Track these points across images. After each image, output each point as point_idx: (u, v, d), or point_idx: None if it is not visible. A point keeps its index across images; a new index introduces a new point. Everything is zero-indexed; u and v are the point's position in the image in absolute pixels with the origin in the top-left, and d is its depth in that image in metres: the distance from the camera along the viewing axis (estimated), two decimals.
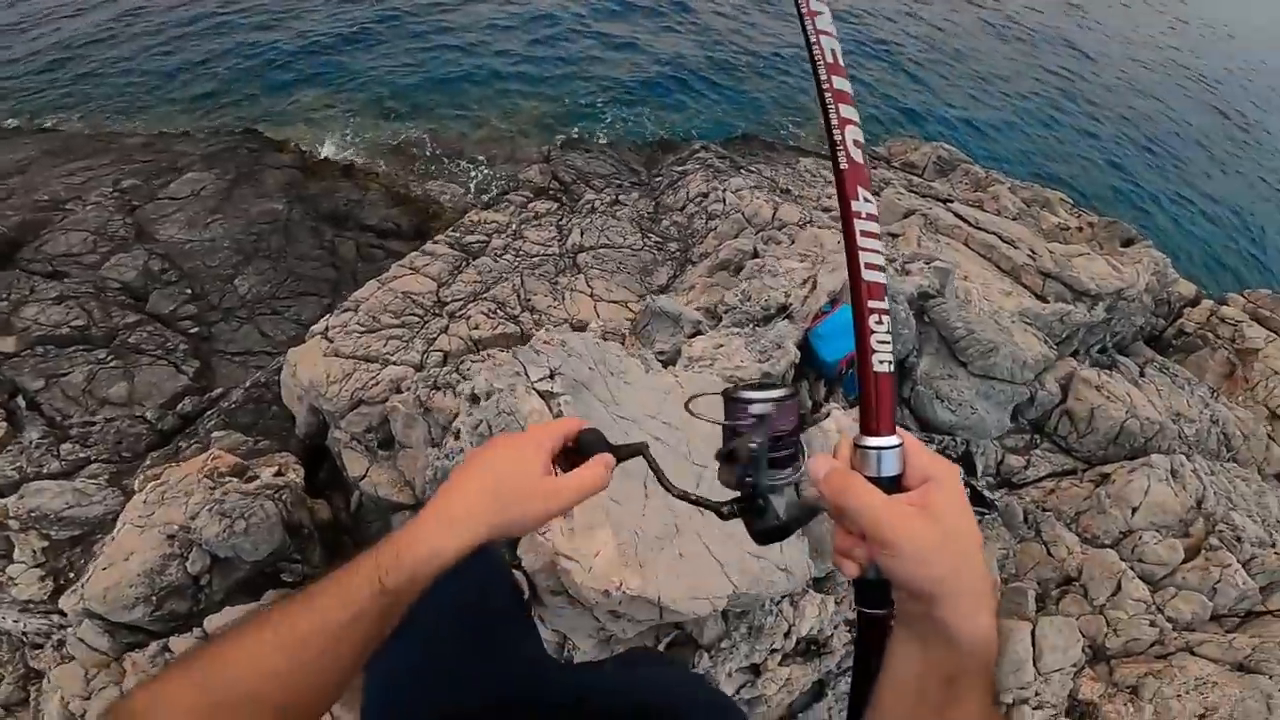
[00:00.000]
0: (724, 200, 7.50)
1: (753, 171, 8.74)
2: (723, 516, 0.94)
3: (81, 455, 5.40)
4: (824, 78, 0.91)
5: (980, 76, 15.96)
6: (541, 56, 12.81)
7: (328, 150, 10.25)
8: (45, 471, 5.21)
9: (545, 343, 3.30)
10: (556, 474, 1.04)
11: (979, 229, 6.82)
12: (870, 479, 0.78)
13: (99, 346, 6.62)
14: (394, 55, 12.50)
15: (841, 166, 0.88)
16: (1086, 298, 6.09)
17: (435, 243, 7.08)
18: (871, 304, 0.85)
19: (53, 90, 11.96)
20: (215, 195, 8.74)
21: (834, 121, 0.89)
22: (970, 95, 15.01)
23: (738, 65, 13.57)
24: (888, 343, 0.85)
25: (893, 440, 0.81)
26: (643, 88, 12.24)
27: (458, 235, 7.26)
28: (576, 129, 11.00)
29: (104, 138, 10.51)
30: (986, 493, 4.58)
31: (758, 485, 0.86)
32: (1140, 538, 4.54)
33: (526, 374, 3.14)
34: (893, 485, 0.79)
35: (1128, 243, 7.47)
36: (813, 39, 0.92)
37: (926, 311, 5.22)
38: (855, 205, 0.86)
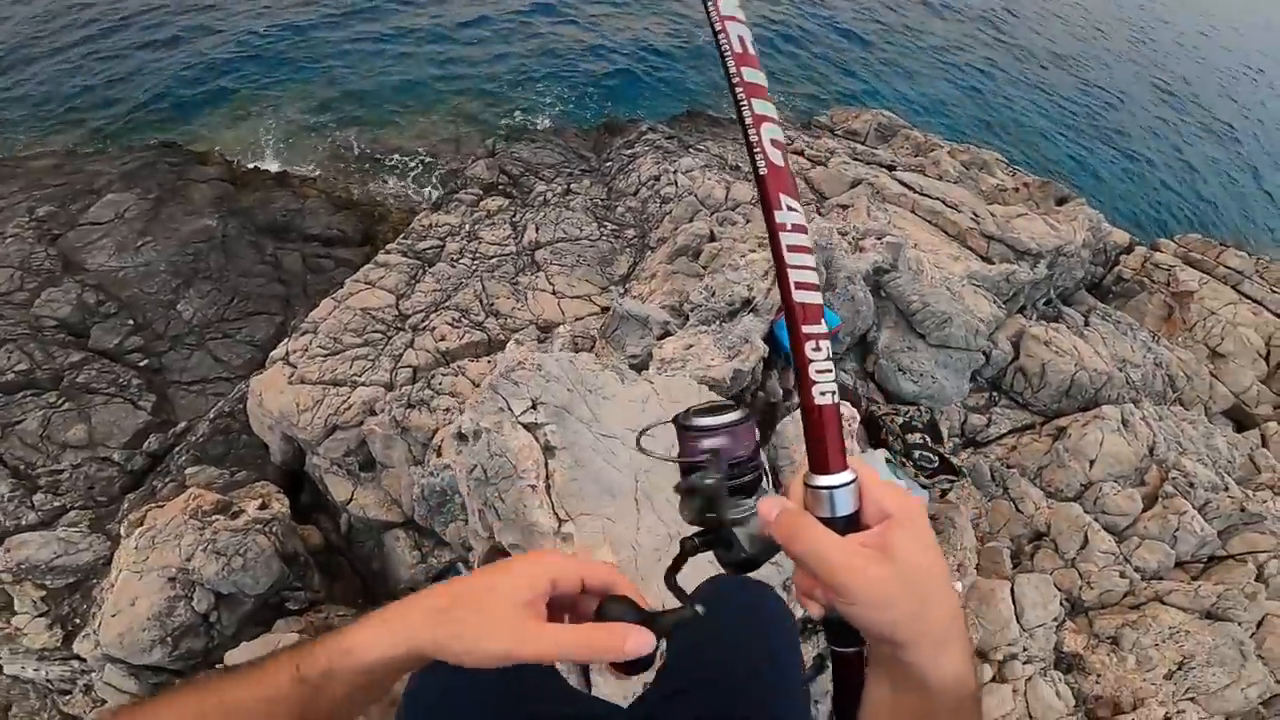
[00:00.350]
0: (676, 182, 7.52)
1: (701, 150, 8.75)
2: (691, 553, 0.88)
3: (56, 504, 5.23)
4: (733, 70, 0.80)
5: (916, 46, 16.31)
6: (470, 46, 12.47)
7: (256, 159, 9.84)
8: (24, 523, 5.04)
9: (522, 369, 3.33)
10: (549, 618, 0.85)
11: (924, 195, 7.02)
12: (824, 519, 0.73)
13: (47, 390, 6.32)
14: (314, 57, 11.97)
15: (761, 171, 0.77)
16: (1029, 256, 6.33)
17: (388, 253, 6.92)
18: (807, 329, 0.77)
19: None
20: (141, 216, 8.29)
21: (748, 120, 0.79)
22: (906, 65, 15.34)
23: (671, 42, 13.48)
24: (829, 371, 0.77)
25: (845, 477, 0.74)
26: (578, 71, 12.08)
27: (410, 242, 7.11)
28: (517, 116, 10.82)
29: (8, 163, 9.84)
30: (955, 460, 4.82)
31: (720, 519, 0.81)
32: (1100, 489, 4.77)
33: (510, 408, 3.18)
34: (848, 524, 0.74)
35: (1061, 201, 7.72)
36: (717, 25, 0.80)
37: (883, 287, 5.40)
38: (779, 216, 0.76)
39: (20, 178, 9.08)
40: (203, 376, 6.71)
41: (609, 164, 8.64)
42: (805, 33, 15.01)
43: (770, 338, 4.34)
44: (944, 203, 6.86)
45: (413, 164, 9.86)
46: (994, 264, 6.15)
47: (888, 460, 4.54)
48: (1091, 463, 4.94)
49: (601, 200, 7.76)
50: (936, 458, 4.64)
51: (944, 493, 4.63)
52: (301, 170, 9.66)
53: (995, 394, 5.85)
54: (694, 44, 13.30)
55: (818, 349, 0.76)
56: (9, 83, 11.42)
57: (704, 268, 5.79)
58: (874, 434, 4.90)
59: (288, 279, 8.00)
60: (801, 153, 8.18)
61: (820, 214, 6.86)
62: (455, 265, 6.73)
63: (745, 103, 0.79)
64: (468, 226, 7.42)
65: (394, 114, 10.74)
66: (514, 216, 7.48)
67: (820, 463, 0.76)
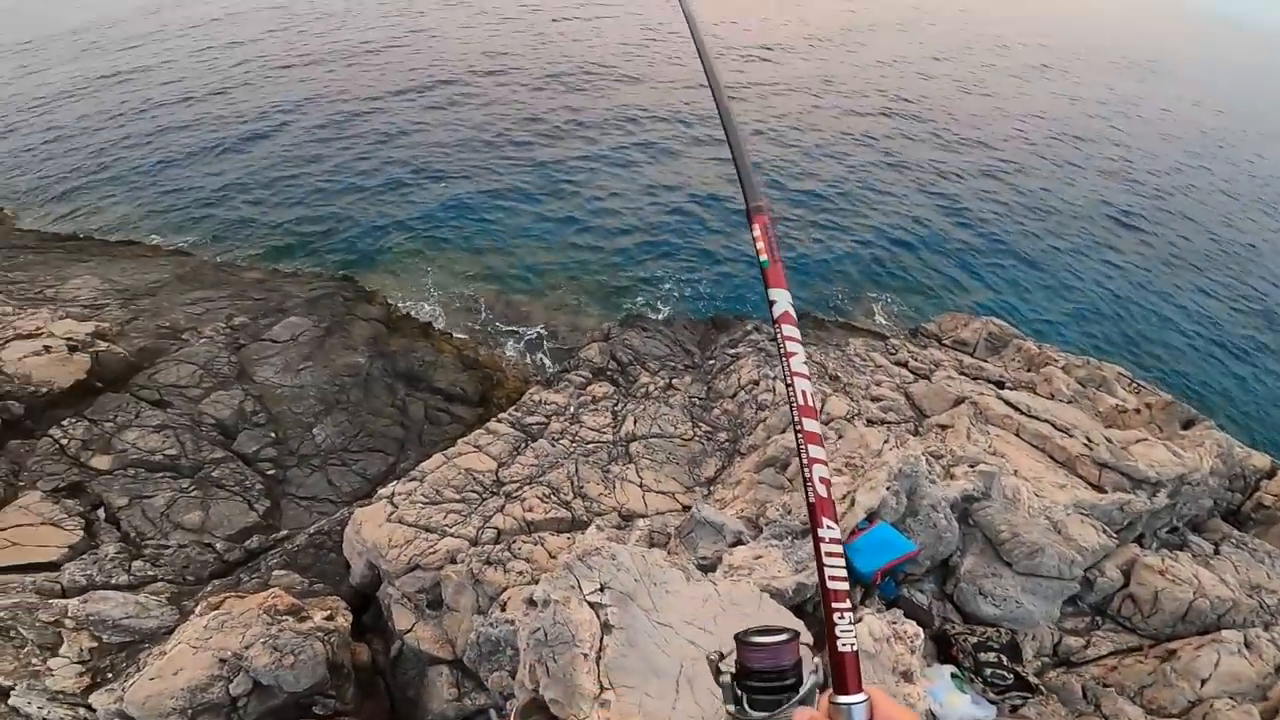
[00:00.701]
0: (774, 390, 7.92)
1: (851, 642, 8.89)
2: None
3: (149, 573, 5.78)
4: (797, 420, 1.10)
5: (1036, 249, 15.44)
6: (604, 235, 13.53)
7: (410, 307, 11.33)
8: (113, 582, 5.59)
9: (597, 555, 3.72)
10: None
11: (1031, 417, 6.95)
12: None
13: (184, 476, 7.21)
14: (474, 227, 13.62)
15: (810, 500, 1.09)
16: (1147, 485, 6.12)
17: (499, 421, 7.67)
18: (836, 605, 1.06)
19: (195, 216, 13.90)
20: (310, 342, 9.65)
21: (804, 460, 1.09)
22: (1024, 268, 14.66)
23: (789, 234, 13.92)
24: (851, 630, 1.06)
25: (859, 698, 1.00)
26: (697, 267, 12.72)
27: (519, 415, 7.84)
28: (635, 302, 11.57)
29: (226, 269, 11.97)
30: (1031, 678, 4.56)
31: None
32: (1212, 705, 4.45)
33: (580, 586, 3.55)
34: None
35: (1188, 424, 7.43)
36: (788, 380, 1.10)
37: (971, 514, 5.45)
38: (821, 532, 1.09)
39: (231, 285, 10.98)
40: (314, 495, 7.41)
41: (712, 361, 9.18)
42: (919, 233, 14.95)
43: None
44: (1053, 425, 6.77)
45: (534, 336, 10.89)
46: (1106, 493, 6.02)
47: (954, 675, 4.50)
48: (1204, 681, 4.59)
49: (700, 399, 8.28)
50: (1011, 675, 4.48)
51: (1014, 708, 4.42)
52: (442, 325, 10.99)
53: (1098, 618, 5.54)
54: (807, 255, 13.70)
55: (842, 616, 1.07)
56: (248, 201, 14.15)
57: (790, 480, 6.05)
58: (944, 650, 4.83)
59: (409, 424, 8.89)
60: (905, 364, 8.31)
61: (918, 433, 6.91)
62: (555, 444, 7.33)
63: (804, 446, 1.12)
64: (573, 408, 8.13)
65: (527, 286, 11.90)
66: (616, 405, 8.13)
67: (841, 686, 1.03)
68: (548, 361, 10.34)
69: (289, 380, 9.04)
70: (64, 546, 5.95)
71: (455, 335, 10.73)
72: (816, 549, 1.08)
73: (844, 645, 1.06)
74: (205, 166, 15.84)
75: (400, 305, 11.29)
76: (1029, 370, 8.40)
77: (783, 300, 1.19)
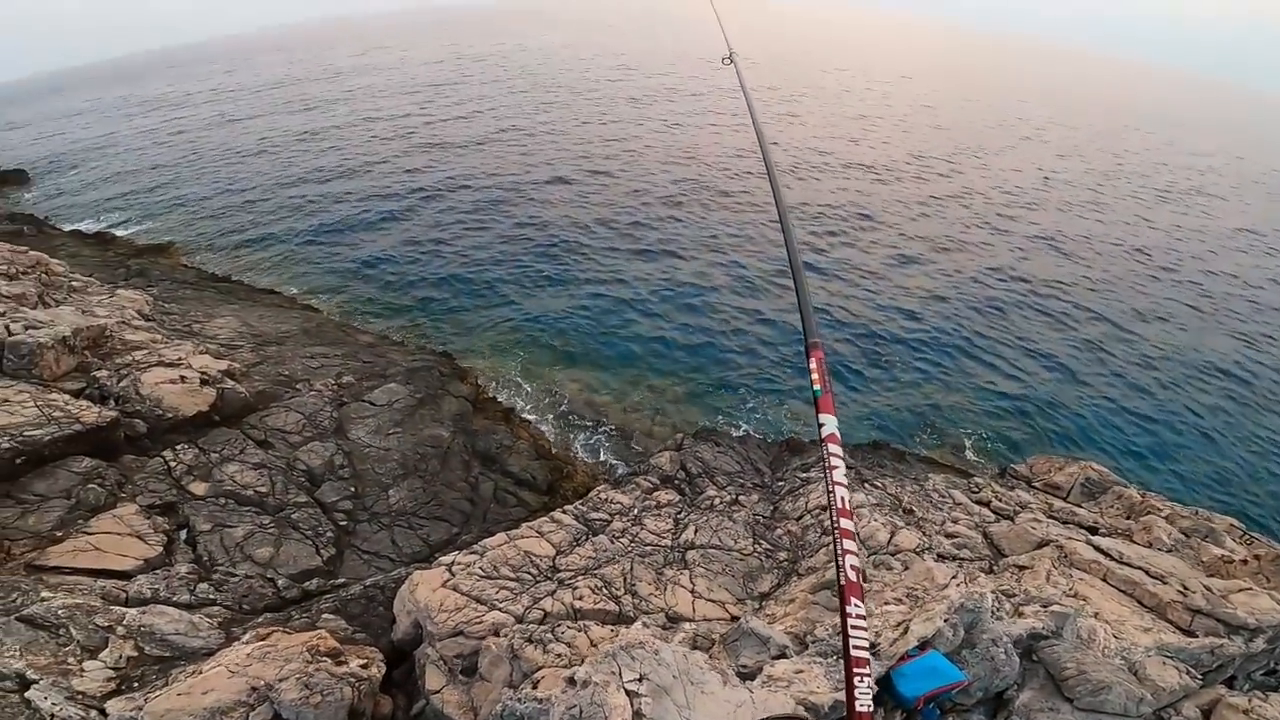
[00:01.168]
0: None
1: (877, 486, 8.70)
2: None
3: (210, 596, 5.99)
4: (834, 519, 1.31)
5: (1146, 386, 14.35)
6: (697, 330, 13.89)
7: (496, 391, 11.85)
8: (175, 599, 5.81)
9: (641, 649, 3.70)
10: None
11: (1123, 564, 6.51)
12: None
13: (267, 513, 7.59)
14: (574, 305, 14.43)
15: (841, 583, 1.28)
16: (1243, 631, 5.65)
17: (564, 512, 7.73)
18: (857, 670, 1.24)
19: (329, 277, 15.44)
20: (403, 410, 10.22)
21: (839, 551, 1.29)
22: (1132, 407, 13.57)
23: (880, 364, 13.52)
24: (868, 693, 1.22)
25: None
26: (785, 376, 12.65)
27: (584, 509, 7.89)
28: (715, 416, 11.57)
29: (346, 329, 13.05)
30: None
31: None
32: None
33: (620, 674, 3.53)
34: None
35: None
36: (829, 486, 1.34)
37: (1035, 651, 5.04)
38: (849, 608, 1.26)
39: (346, 345, 11.88)
40: (377, 550, 7.61)
41: (781, 483, 8.98)
42: (1017, 371, 14.14)
43: (884, 680, 4.18)
44: (1147, 573, 6.34)
45: (608, 436, 11.07)
46: (1196, 636, 5.57)
47: None
48: None
49: (764, 518, 8.08)
50: None
51: None
52: (523, 412, 11.37)
53: None
54: (897, 375, 13.35)
55: (862, 680, 1.25)
56: (375, 271, 15.65)
57: None
58: None
59: (477, 501, 9.09)
60: (988, 504, 7.82)
61: (991, 571, 6.49)
62: (614, 542, 7.31)
63: (838, 539, 1.33)
64: (637, 510, 8.11)
65: (609, 388, 12.21)
66: (679, 513, 8.04)
67: None
68: (618, 462, 10.42)
69: (378, 442, 9.55)
70: (141, 559, 6.31)
71: (534, 424, 11.07)
72: (843, 621, 1.25)
73: (861, 705, 1.21)
74: (347, 234, 17.95)
75: (488, 388, 11.84)
76: (1127, 518, 7.89)
77: (830, 424, 1.46)
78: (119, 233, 19.06)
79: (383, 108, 34.08)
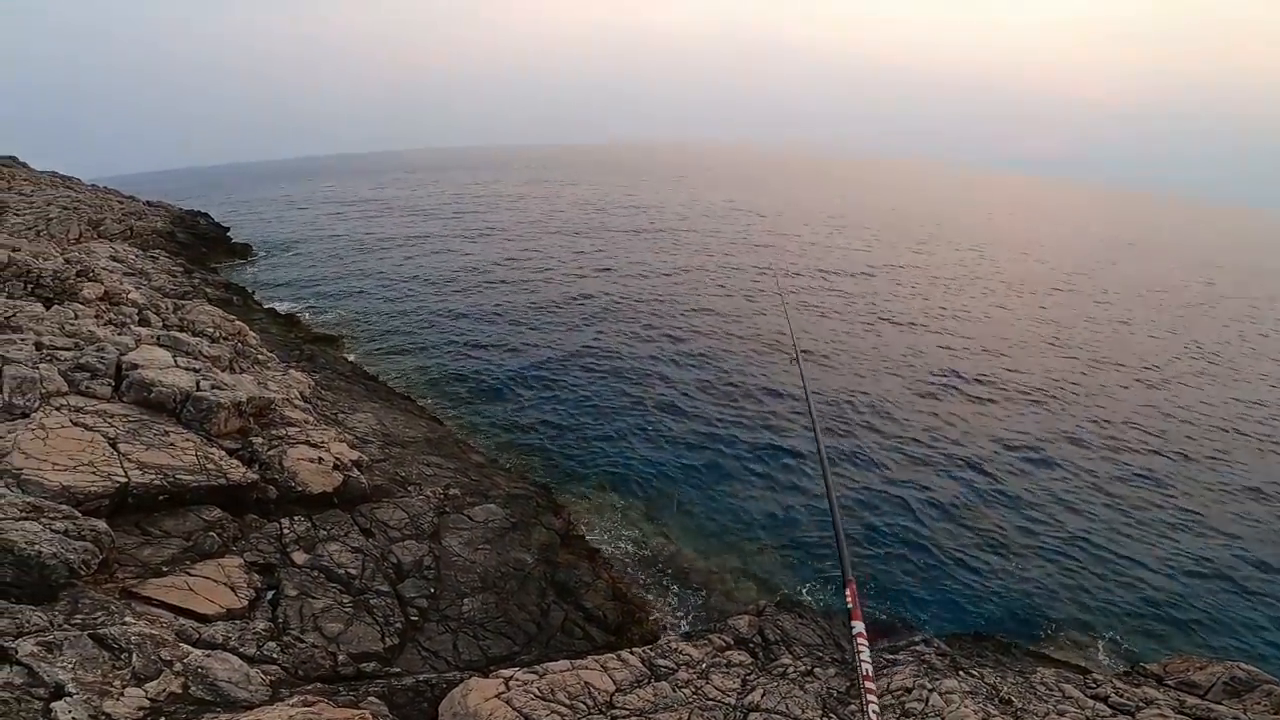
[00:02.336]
0: (926, 700, 6.48)
1: (974, 675, 7.39)
2: None
3: (273, 655, 5.96)
4: (862, 684, 1.46)
5: None
6: (792, 499, 13.14)
7: (587, 531, 11.62)
8: (241, 650, 5.84)
9: None
10: None
11: None
12: None
13: (349, 593, 7.70)
14: (679, 460, 14.23)
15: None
16: None
17: (631, 653, 7.18)
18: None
19: (460, 395, 16.52)
20: (495, 530, 10.32)
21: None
22: None
23: (995, 549, 12.04)
24: None
25: None
26: (883, 558, 11.56)
27: (652, 655, 7.30)
28: (802, 587, 10.64)
29: (462, 445, 13.56)
30: None
31: None
32: None
33: None
34: None
35: None
36: (861, 678, 1.51)
37: None
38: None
39: (459, 460, 12.31)
40: (437, 650, 7.38)
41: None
42: (1157, 563, 12.11)
43: None
44: None
45: (689, 590, 10.38)
46: None
47: None
48: None
49: (839, 693, 7.05)
50: None
51: None
52: (608, 552, 11.01)
53: None
54: (1015, 558, 11.67)
55: None
56: (504, 395, 16.71)
57: None
58: None
59: (544, 627, 8.71)
60: (1105, 699, 6.37)
61: None
62: (677, 690, 6.66)
63: (868, 704, 1.54)
64: (705, 665, 7.41)
65: (699, 545, 11.65)
66: (748, 674, 7.23)
67: None
68: (694, 617, 9.66)
69: (466, 553, 9.61)
70: (225, 608, 6.46)
71: (616, 567, 10.71)
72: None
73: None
74: (484, 359, 19.33)
75: (579, 526, 11.66)
76: (1275, 714, 6.28)
77: (859, 626, 1.80)
78: (304, 317, 21.97)
79: (544, 245, 37.82)
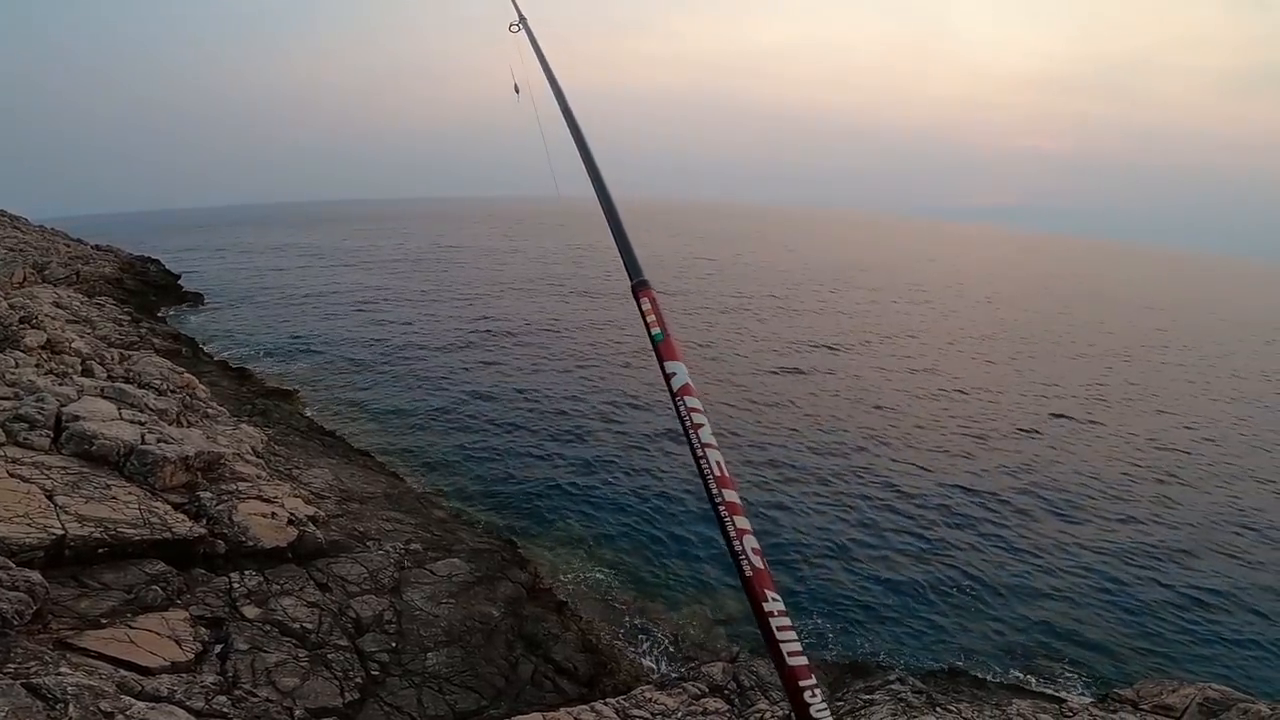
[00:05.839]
0: None
1: (951, 711, 7.11)
2: None
3: (224, 710, 5.44)
4: (715, 491, 0.96)
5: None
6: (769, 554, 12.69)
7: (554, 583, 11.19)
8: (188, 704, 5.32)
9: None
10: None
11: None
12: None
13: (305, 647, 7.15)
14: (645, 512, 13.93)
15: (746, 574, 0.96)
16: None
17: (604, 704, 6.95)
18: (802, 682, 0.90)
19: (418, 452, 15.97)
20: (459, 584, 9.82)
21: (732, 532, 0.94)
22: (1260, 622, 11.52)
23: (964, 587, 11.95)
24: (825, 708, 0.88)
25: None
26: (852, 599, 11.35)
27: (626, 705, 7.03)
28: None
29: (424, 500, 13.02)
30: None
31: None
32: None
33: None
34: None
35: None
36: (698, 451, 0.96)
37: None
38: (767, 605, 0.94)
39: (421, 515, 11.81)
40: (400, 705, 6.86)
41: (840, 703, 7.61)
42: (1121, 588, 12.23)
43: None
44: None
45: (660, 639, 10.02)
46: None
47: None
48: None
49: None
50: None
51: None
52: (577, 604, 10.60)
53: None
54: (985, 595, 11.56)
55: (814, 695, 0.90)
56: (462, 453, 16.13)
57: None
58: None
59: (512, 680, 8.23)
60: None
61: None
62: None
63: (728, 519, 0.99)
64: (681, 713, 7.12)
65: (669, 594, 11.34)
66: None
67: None
68: (665, 666, 9.29)
69: (429, 607, 9.10)
70: (169, 661, 5.94)
71: (586, 618, 10.27)
72: (765, 626, 0.91)
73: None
74: (446, 416, 18.84)
75: (546, 579, 11.20)
76: None
77: (681, 373, 1.07)
78: (257, 369, 21.01)
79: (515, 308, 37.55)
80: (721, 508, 0.96)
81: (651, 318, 1.15)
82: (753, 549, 0.95)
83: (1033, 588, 12.14)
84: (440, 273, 49.60)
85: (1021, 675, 9.85)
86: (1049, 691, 9.32)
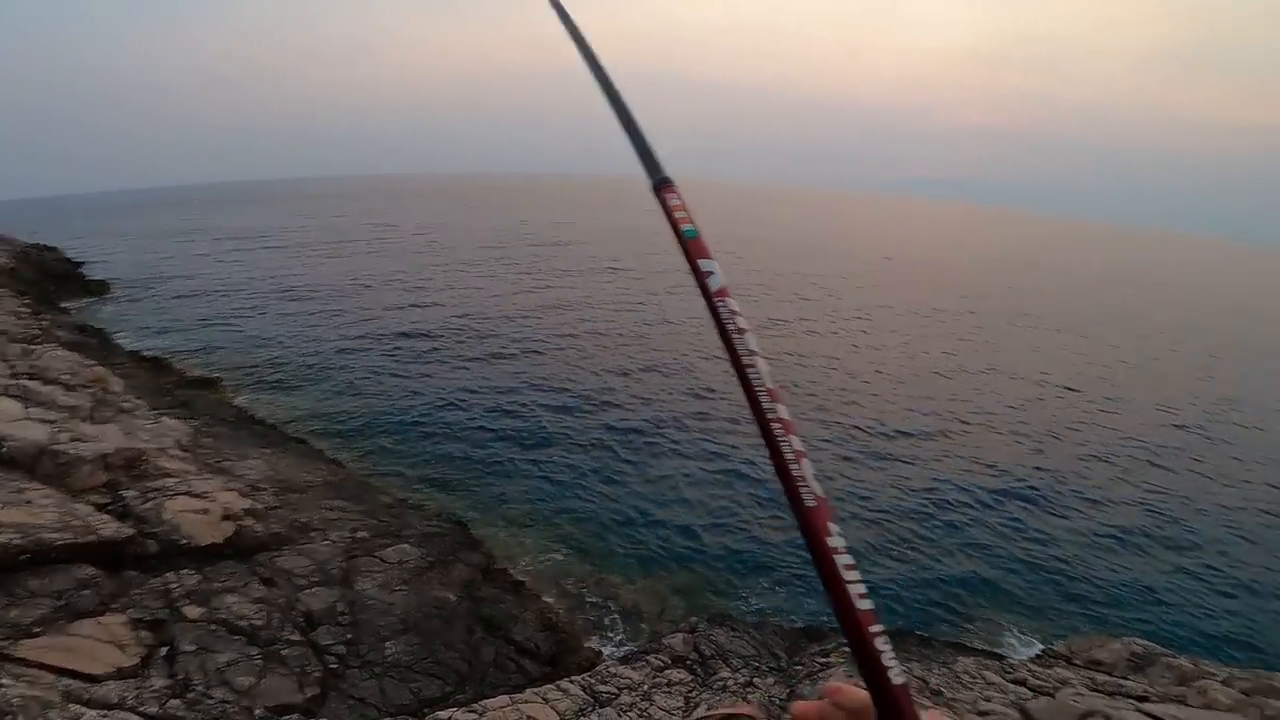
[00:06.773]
0: None
1: (903, 669, 7.73)
2: None
3: (180, 714, 5.21)
4: (769, 405, 0.77)
5: (1190, 550, 13.50)
6: (716, 519, 13.13)
7: (509, 564, 11.11)
8: (142, 709, 5.05)
9: None
10: None
11: None
12: None
13: (256, 644, 6.86)
14: (594, 488, 13.94)
15: (808, 504, 0.75)
16: None
17: (570, 681, 7.02)
18: (873, 629, 0.71)
19: (360, 436, 15.42)
20: (412, 570, 9.61)
21: (789, 456, 0.75)
22: (1180, 573, 12.67)
23: (905, 552, 12.60)
24: (896, 660, 0.70)
25: None
26: (797, 568, 11.71)
27: (592, 682, 7.13)
28: (732, 601, 10.67)
29: (367, 487, 12.63)
30: None
31: None
32: None
33: None
34: None
35: None
36: (745, 360, 0.80)
37: None
38: (831, 541, 0.74)
39: (366, 502, 11.43)
40: (363, 697, 6.71)
41: (799, 667, 7.99)
42: (1045, 550, 12.99)
43: None
44: None
45: (619, 613, 10.14)
46: None
47: None
48: None
49: (780, 700, 7.10)
50: None
51: None
52: (533, 584, 10.55)
53: None
54: (924, 558, 12.28)
55: (886, 643, 0.72)
56: (405, 435, 15.69)
57: None
58: None
59: (475, 664, 8.16)
60: (1024, 682, 6.79)
61: None
62: (621, 715, 6.50)
63: (782, 440, 0.77)
64: (646, 687, 7.26)
65: (623, 568, 11.42)
66: (690, 691, 7.18)
67: None
68: (627, 640, 9.42)
69: (382, 596, 8.86)
70: (114, 667, 5.63)
71: (544, 598, 10.27)
72: (829, 567, 0.71)
73: (896, 676, 0.69)
74: (384, 399, 18.10)
75: (501, 560, 11.11)
76: (1180, 685, 6.85)
77: (718, 273, 0.90)
78: (174, 360, 19.58)
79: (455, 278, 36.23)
80: (776, 426, 0.75)
81: (681, 214, 0.97)
82: (813, 475, 0.75)
83: (970, 549, 12.92)
84: (368, 255, 47.39)
85: (964, 634, 10.51)
86: (989, 649, 10.01)
